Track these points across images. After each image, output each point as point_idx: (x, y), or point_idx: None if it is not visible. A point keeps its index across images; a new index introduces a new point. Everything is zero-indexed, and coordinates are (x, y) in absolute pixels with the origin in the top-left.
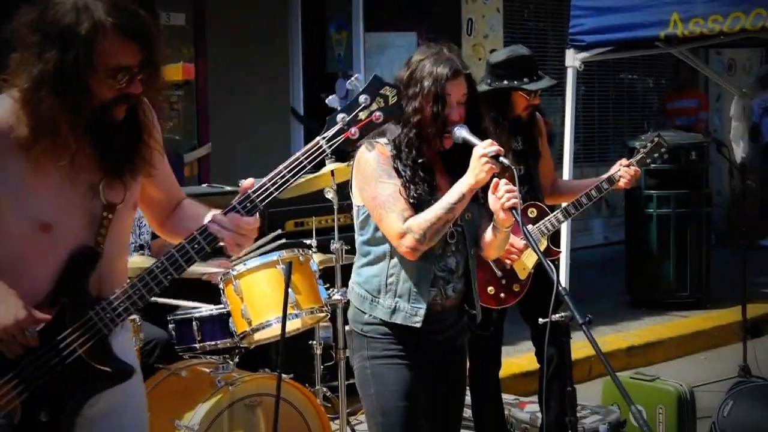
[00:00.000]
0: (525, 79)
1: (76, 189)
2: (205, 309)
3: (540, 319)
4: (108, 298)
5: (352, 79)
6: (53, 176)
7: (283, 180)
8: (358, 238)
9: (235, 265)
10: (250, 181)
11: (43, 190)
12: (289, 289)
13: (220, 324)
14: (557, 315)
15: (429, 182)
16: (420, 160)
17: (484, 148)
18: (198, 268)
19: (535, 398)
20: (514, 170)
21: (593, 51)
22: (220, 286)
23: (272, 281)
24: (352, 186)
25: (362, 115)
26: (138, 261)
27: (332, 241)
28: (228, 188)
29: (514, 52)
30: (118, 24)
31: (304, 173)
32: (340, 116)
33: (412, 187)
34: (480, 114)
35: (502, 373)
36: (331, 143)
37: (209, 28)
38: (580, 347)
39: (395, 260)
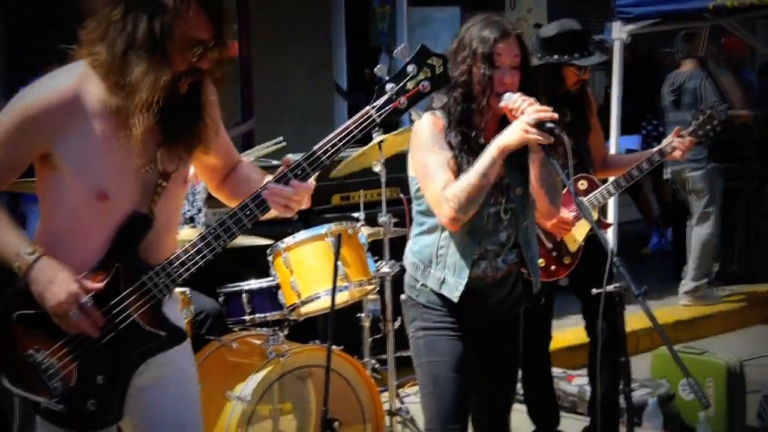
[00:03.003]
0: (576, 55)
1: (134, 160)
2: (255, 281)
3: (594, 290)
4: (161, 263)
5: (400, 48)
6: (115, 147)
7: (334, 148)
8: (415, 208)
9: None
10: (290, 157)
11: (104, 160)
12: (338, 262)
13: (269, 296)
14: (612, 286)
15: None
16: (473, 133)
17: (529, 114)
18: (247, 241)
19: (583, 371)
20: (566, 139)
21: (640, 23)
22: (269, 258)
23: (321, 254)
24: (408, 157)
25: (410, 85)
26: (188, 233)
27: (380, 214)
28: (274, 162)
29: (564, 26)
30: None
31: (353, 143)
32: (388, 86)
33: (463, 158)
34: (534, 79)
35: (550, 346)
36: (380, 112)
37: (251, 4)
38: (627, 321)
39: (447, 233)
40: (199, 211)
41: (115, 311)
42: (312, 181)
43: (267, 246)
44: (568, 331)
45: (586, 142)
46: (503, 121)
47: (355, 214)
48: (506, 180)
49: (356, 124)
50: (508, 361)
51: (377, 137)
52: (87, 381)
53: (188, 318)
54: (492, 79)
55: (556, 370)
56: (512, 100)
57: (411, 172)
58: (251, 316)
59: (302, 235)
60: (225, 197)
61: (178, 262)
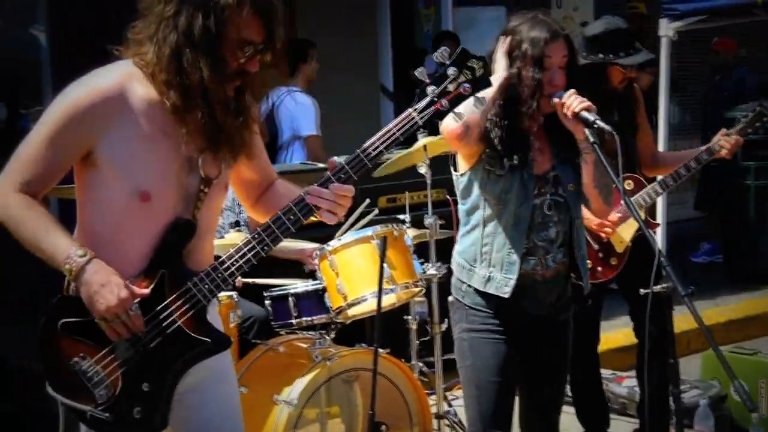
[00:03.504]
0: (621, 53)
1: (175, 161)
2: (301, 285)
3: (641, 290)
4: (205, 269)
5: (440, 51)
6: (157, 146)
7: (376, 151)
8: (460, 208)
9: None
10: (331, 160)
11: (146, 160)
12: (384, 264)
13: (316, 299)
14: (659, 286)
15: (524, 152)
16: (517, 128)
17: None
18: (293, 244)
19: (632, 373)
20: (616, 136)
21: (687, 20)
22: (315, 262)
23: (367, 256)
24: (454, 157)
25: (451, 87)
26: (234, 237)
27: (426, 215)
28: (321, 165)
29: (610, 24)
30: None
31: (395, 145)
32: (429, 89)
33: (505, 154)
34: (582, 79)
35: (599, 347)
36: (422, 115)
37: (297, 6)
38: (677, 321)
39: (489, 228)
40: (245, 223)
41: (160, 317)
42: (352, 186)
43: (313, 249)
44: (618, 332)
45: (633, 141)
46: (550, 118)
47: (401, 216)
48: (553, 173)
49: (398, 126)
50: (554, 363)
51: (422, 139)
52: (133, 388)
53: (235, 322)
54: (542, 82)
55: (605, 372)
56: (564, 96)
57: (458, 170)
58: (298, 320)
59: (348, 237)
60: (262, 215)
61: (222, 268)
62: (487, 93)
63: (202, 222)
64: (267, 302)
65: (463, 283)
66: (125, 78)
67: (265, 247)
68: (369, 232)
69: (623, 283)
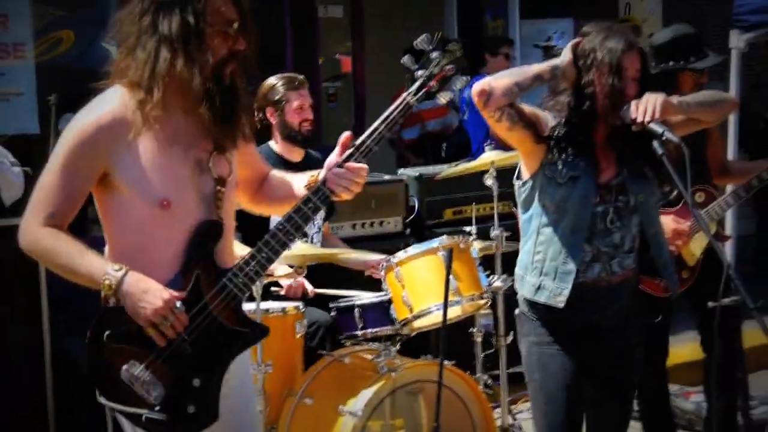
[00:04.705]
0: (692, 58)
1: (186, 166)
2: (367, 296)
3: (710, 303)
4: (237, 264)
5: (421, 39)
6: (167, 155)
7: (380, 134)
8: (521, 218)
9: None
10: (348, 134)
11: (160, 168)
12: (450, 276)
13: (381, 311)
14: (727, 299)
15: (587, 161)
16: (583, 137)
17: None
18: (359, 256)
19: (700, 388)
20: (684, 148)
21: (759, 31)
22: (381, 273)
23: (433, 268)
24: (518, 168)
25: (436, 70)
26: (303, 248)
27: (492, 228)
28: (386, 177)
29: (677, 31)
30: None
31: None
32: (419, 73)
33: (568, 161)
34: (652, 90)
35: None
36: (416, 97)
37: (366, 19)
38: (747, 336)
39: (543, 237)
40: (319, 229)
41: (201, 316)
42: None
43: (379, 261)
44: (686, 347)
45: (704, 152)
46: (616, 127)
47: (467, 228)
48: (616, 180)
49: (397, 110)
50: (622, 378)
51: (489, 153)
52: (184, 386)
53: (301, 333)
54: (623, 93)
55: (672, 387)
56: (632, 108)
57: (522, 177)
58: (363, 331)
59: (414, 249)
60: (263, 207)
61: (254, 262)
62: (533, 68)
63: (225, 221)
64: (333, 313)
65: (517, 292)
66: (125, 97)
67: (291, 237)
68: (435, 243)
69: (692, 296)
